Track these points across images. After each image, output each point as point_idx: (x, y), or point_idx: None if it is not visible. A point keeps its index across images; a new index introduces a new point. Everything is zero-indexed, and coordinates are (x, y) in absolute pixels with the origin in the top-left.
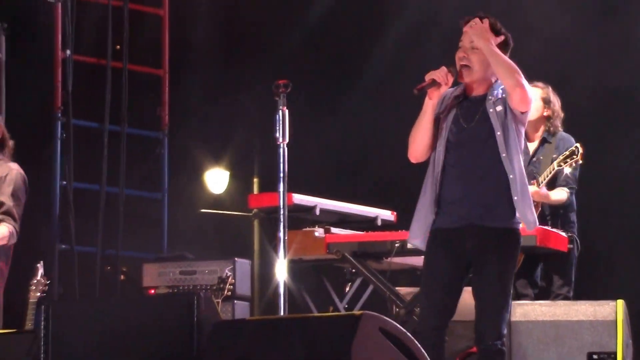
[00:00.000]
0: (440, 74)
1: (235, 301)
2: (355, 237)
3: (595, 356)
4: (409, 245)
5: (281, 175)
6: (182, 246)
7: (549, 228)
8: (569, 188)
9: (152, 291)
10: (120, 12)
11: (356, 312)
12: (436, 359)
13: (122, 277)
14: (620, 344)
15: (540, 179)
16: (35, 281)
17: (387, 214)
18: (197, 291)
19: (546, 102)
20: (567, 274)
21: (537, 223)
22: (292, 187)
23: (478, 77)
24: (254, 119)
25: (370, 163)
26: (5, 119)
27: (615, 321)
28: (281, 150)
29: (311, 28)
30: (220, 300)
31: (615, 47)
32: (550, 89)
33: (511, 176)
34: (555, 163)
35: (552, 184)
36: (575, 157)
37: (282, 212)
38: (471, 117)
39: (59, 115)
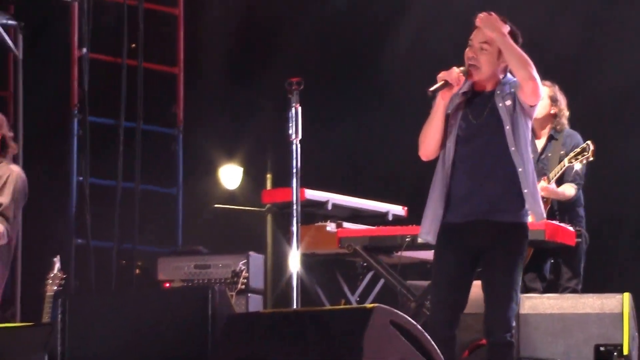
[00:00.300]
0: (452, 75)
1: (249, 294)
2: (366, 231)
3: (602, 348)
4: (420, 240)
5: (294, 171)
6: (197, 241)
7: (557, 222)
8: (576, 184)
9: (167, 285)
10: (135, 12)
11: (368, 305)
12: (447, 352)
13: (137, 271)
14: (627, 336)
15: (551, 175)
16: (52, 275)
17: (397, 209)
18: (212, 285)
19: (553, 100)
20: (575, 267)
21: (545, 216)
22: (305, 183)
23: (486, 76)
24: (268, 116)
25: (382, 159)
26: (23, 116)
27: (622, 314)
28: (294, 146)
29: (324, 26)
30: (234, 294)
31: (622, 44)
32: (556, 87)
33: (520, 169)
34: (566, 160)
35: (560, 180)
36: (586, 153)
37: (295, 207)
38: (480, 113)
39: (76, 112)
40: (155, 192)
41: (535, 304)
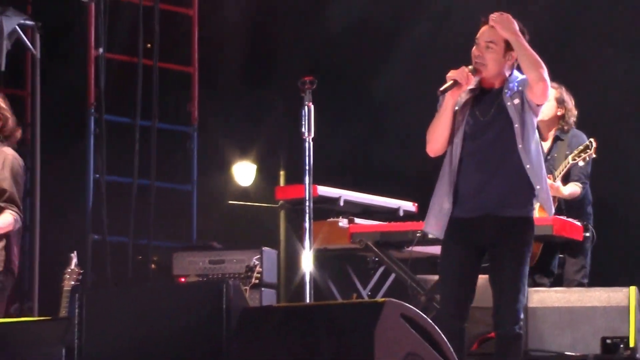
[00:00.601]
0: (461, 75)
1: (263, 289)
2: (378, 227)
3: (608, 340)
4: (430, 235)
5: (307, 168)
6: (211, 236)
7: (564, 217)
8: (581, 183)
9: (183, 279)
10: (151, 12)
11: (379, 299)
12: (457, 345)
13: (153, 266)
14: (633, 328)
15: (556, 173)
16: (69, 270)
17: (408, 205)
18: (226, 279)
19: (560, 101)
20: (581, 260)
21: (554, 211)
22: (317, 180)
23: (492, 74)
24: (281, 114)
25: (393, 156)
26: (41, 114)
27: (628, 307)
28: (307, 144)
29: (336, 26)
30: (248, 288)
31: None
32: (563, 88)
33: (528, 166)
34: (570, 157)
35: (566, 179)
36: (589, 151)
37: (307, 203)
38: (487, 110)
39: (92, 111)
40: (170, 188)
41: (543, 297)
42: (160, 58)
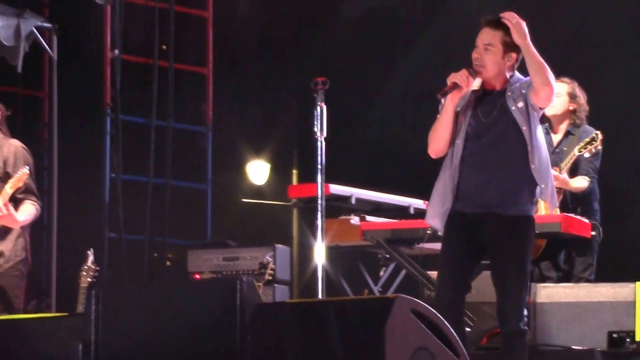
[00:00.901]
0: (461, 77)
1: (276, 285)
2: (389, 224)
3: (615, 335)
4: (440, 232)
5: (319, 167)
6: (225, 234)
7: (572, 215)
8: (589, 177)
9: (197, 276)
10: (166, 14)
11: (390, 295)
12: (458, 330)
13: (168, 263)
14: (639, 323)
15: (562, 165)
16: (86, 267)
17: (419, 203)
18: (240, 276)
19: (572, 96)
20: (589, 258)
21: (558, 204)
22: (330, 178)
23: (492, 75)
24: (294, 114)
25: (403, 155)
26: (58, 114)
27: (634, 302)
28: (319, 143)
29: (348, 26)
30: (261, 285)
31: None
32: (576, 84)
33: (533, 166)
34: (576, 149)
35: (572, 172)
36: (594, 142)
37: (320, 201)
38: (489, 112)
39: (108, 111)
40: (185, 187)
41: (550, 293)
42: (175, 59)
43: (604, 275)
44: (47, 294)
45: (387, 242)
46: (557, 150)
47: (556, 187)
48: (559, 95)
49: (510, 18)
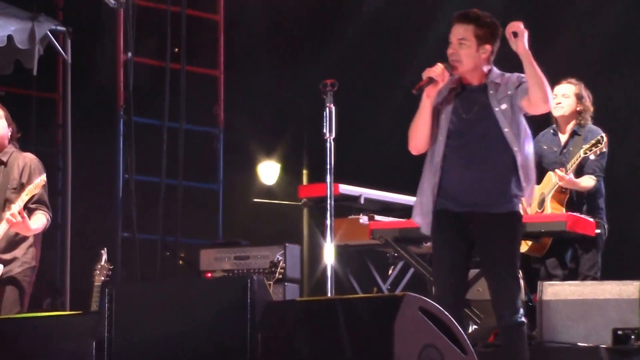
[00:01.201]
0: (436, 72)
1: (286, 283)
2: (397, 224)
3: (620, 332)
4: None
5: (328, 167)
6: (237, 233)
7: (577, 214)
8: (596, 176)
9: (209, 275)
10: (178, 18)
11: (398, 293)
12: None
13: (180, 262)
14: None
15: (568, 165)
16: (100, 266)
17: None
18: (251, 275)
19: (579, 97)
20: (594, 256)
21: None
22: (339, 178)
23: (468, 69)
24: (303, 116)
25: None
26: (72, 116)
27: (639, 299)
28: (328, 144)
29: (357, 29)
30: (272, 283)
31: None
32: (582, 85)
33: (520, 165)
34: (581, 151)
35: (580, 172)
36: (600, 145)
37: (329, 201)
38: (469, 108)
39: (122, 113)
40: (197, 187)
41: (556, 290)
42: (187, 62)
43: (610, 273)
44: (62, 293)
45: (395, 241)
46: (564, 150)
47: (563, 187)
48: (567, 96)
49: (517, 28)
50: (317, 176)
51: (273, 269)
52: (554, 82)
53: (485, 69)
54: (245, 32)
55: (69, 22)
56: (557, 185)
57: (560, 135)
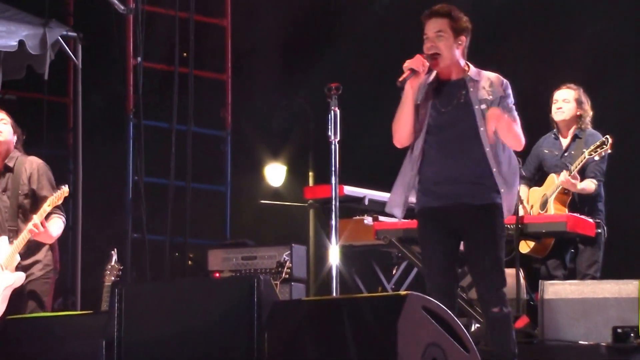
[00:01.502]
0: (417, 63)
1: (292, 283)
2: (401, 224)
3: (619, 330)
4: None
5: (333, 169)
6: (244, 234)
7: (578, 215)
8: (597, 179)
9: (217, 275)
10: (186, 23)
11: (402, 292)
12: None
13: (189, 262)
14: None
15: (572, 167)
16: (110, 267)
17: None
18: (258, 274)
19: (579, 102)
20: (593, 255)
21: (511, 213)
22: (344, 180)
23: (448, 62)
24: (309, 119)
25: None
26: (83, 120)
27: (638, 298)
28: (333, 146)
29: (362, 34)
30: (278, 283)
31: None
32: (581, 90)
33: (495, 170)
34: (586, 152)
35: (581, 175)
36: (605, 146)
37: (334, 202)
38: (448, 102)
39: (131, 116)
40: (205, 189)
41: (557, 289)
42: (195, 66)
43: (609, 272)
44: (73, 293)
45: (399, 241)
46: (566, 154)
47: (565, 189)
48: (567, 101)
49: (497, 117)
50: (323, 178)
51: (280, 269)
52: (553, 87)
53: (462, 62)
54: (252, 37)
55: (80, 27)
56: (560, 187)
57: (561, 139)
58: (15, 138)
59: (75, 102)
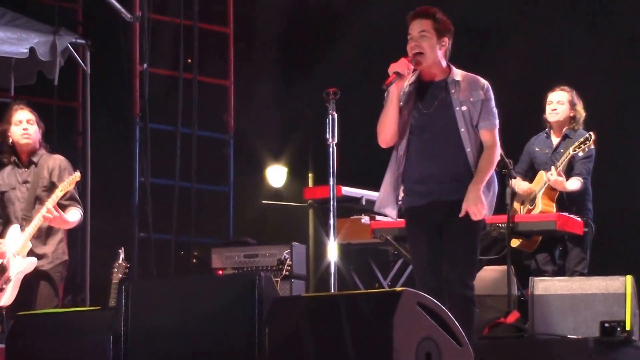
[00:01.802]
0: (401, 66)
1: (293, 280)
2: (397, 223)
3: (607, 324)
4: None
5: (331, 170)
6: (246, 233)
7: (566, 214)
8: (582, 178)
9: (220, 272)
10: (190, 30)
11: (397, 288)
12: None
13: (193, 260)
14: (629, 313)
15: (558, 163)
16: (117, 264)
17: None
18: (259, 272)
19: (572, 104)
20: (582, 253)
21: (491, 213)
22: (342, 181)
23: (432, 62)
24: (309, 122)
25: None
26: (91, 123)
27: (625, 294)
28: (331, 149)
29: (360, 41)
30: (279, 280)
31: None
32: (574, 92)
33: (474, 169)
34: (570, 148)
35: (568, 174)
36: (588, 142)
37: (332, 202)
38: (430, 103)
39: (138, 120)
40: (209, 190)
41: (547, 285)
42: (199, 72)
43: (597, 269)
44: (82, 289)
45: (395, 240)
46: (555, 152)
47: (551, 187)
48: (561, 103)
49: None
50: (322, 179)
51: (280, 267)
52: (547, 88)
53: (444, 63)
54: (254, 44)
55: (88, 35)
56: (547, 184)
57: (552, 138)
58: (40, 135)
59: (84, 106)
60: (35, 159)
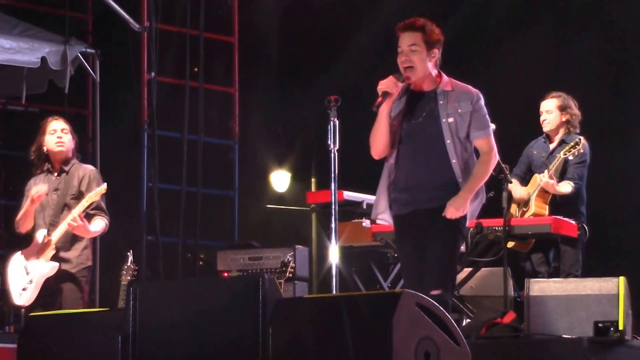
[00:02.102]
0: (389, 84)
1: (296, 282)
2: None
3: (600, 324)
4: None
5: (332, 175)
6: (251, 236)
7: (561, 217)
8: (574, 182)
9: (226, 274)
10: (196, 40)
11: (397, 290)
12: None
13: (200, 262)
14: (622, 314)
15: (550, 166)
16: (126, 267)
17: None
18: (263, 274)
19: (562, 109)
20: (575, 255)
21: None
22: (344, 185)
23: (422, 74)
24: (312, 129)
25: None
26: (100, 131)
27: (618, 295)
28: (332, 154)
29: (358, 50)
30: (282, 281)
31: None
32: (564, 95)
33: (460, 180)
34: (561, 152)
35: (562, 178)
36: (578, 146)
37: (334, 206)
38: (418, 113)
39: (145, 127)
40: (215, 194)
41: (542, 287)
42: (205, 80)
43: (591, 271)
44: (93, 291)
45: (394, 243)
46: (551, 155)
47: (544, 190)
48: (550, 112)
49: (454, 213)
50: (324, 184)
51: (284, 269)
52: (546, 91)
53: (434, 73)
54: (258, 53)
55: (98, 45)
56: (541, 186)
57: (550, 143)
58: (73, 145)
59: (93, 114)
60: (66, 168)
